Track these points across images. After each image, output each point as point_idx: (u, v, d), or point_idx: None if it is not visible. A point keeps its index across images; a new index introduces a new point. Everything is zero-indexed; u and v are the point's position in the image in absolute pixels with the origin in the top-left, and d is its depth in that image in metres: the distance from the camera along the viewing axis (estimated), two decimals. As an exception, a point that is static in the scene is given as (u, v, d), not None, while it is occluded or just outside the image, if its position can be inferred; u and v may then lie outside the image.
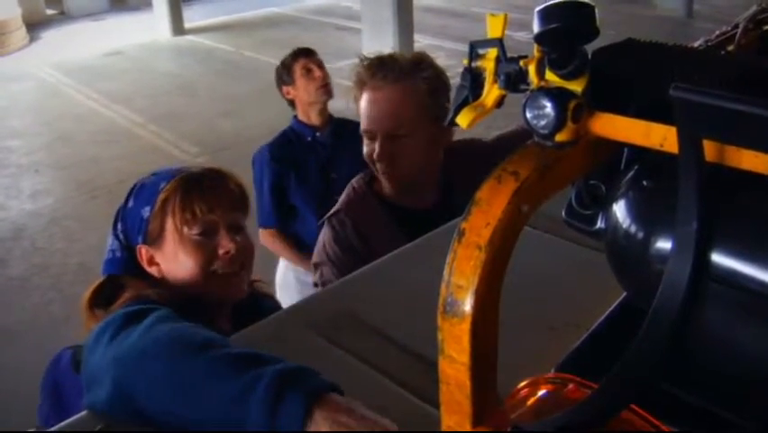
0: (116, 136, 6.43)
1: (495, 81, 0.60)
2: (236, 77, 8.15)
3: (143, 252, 1.24)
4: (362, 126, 1.66)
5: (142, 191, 1.26)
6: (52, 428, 1.01)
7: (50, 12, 11.77)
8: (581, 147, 0.58)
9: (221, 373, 0.86)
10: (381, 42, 6.66)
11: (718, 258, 0.53)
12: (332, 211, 1.74)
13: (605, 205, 0.66)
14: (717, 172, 0.52)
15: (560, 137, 0.57)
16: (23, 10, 10.37)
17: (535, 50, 0.58)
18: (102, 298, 1.20)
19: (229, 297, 1.29)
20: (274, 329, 1.19)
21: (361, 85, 1.64)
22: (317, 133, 2.75)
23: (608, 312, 0.81)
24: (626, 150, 0.64)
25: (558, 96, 0.55)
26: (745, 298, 0.52)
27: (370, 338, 1.13)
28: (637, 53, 0.62)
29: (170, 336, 0.93)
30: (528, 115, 0.57)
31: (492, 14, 0.59)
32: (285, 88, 2.78)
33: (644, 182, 0.62)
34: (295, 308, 1.31)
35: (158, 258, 1.24)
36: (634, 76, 0.59)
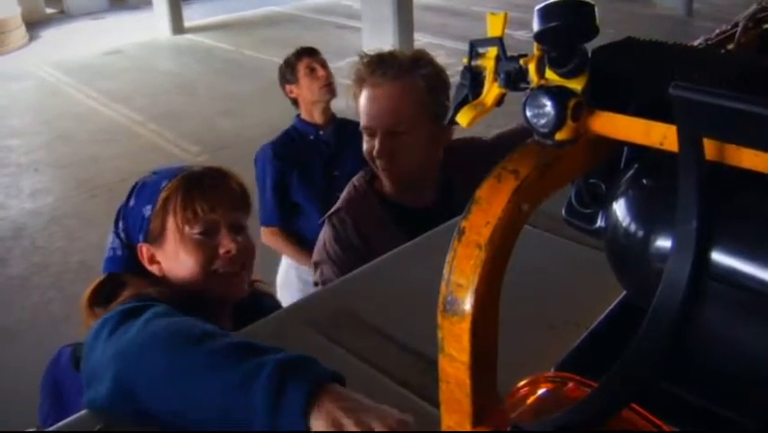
0: (116, 135, 6.43)
1: (495, 80, 0.60)
2: (236, 75, 8.15)
3: (144, 250, 1.25)
4: (362, 123, 1.67)
5: (144, 190, 1.26)
6: (52, 428, 1.01)
7: (49, 10, 11.76)
8: (581, 146, 0.58)
9: (221, 363, 0.86)
10: (381, 41, 6.65)
11: (718, 257, 0.53)
12: (332, 210, 1.74)
13: (605, 203, 0.66)
14: (716, 171, 0.52)
15: (560, 136, 0.57)
16: (23, 9, 10.36)
17: (535, 49, 0.58)
18: (102, 296, 1.20)
19: (229, 296, 1.29)
20: (274, 328, 1.19)
21: (360, 82, 1.65)
22: (320, 132, 2.75)
23: (607, 311, 0.81)
24: (625, 148, 0.64)
25: (558, 94, 0.55)
26: (745, 296, 0.52)
27: (370, 337, 1.13)
28: (637, 52, 0.62)
29: (169, 329, 0.94)
30: (528, 113, 0.57)
31: (492, 13, 0.59)
32: (288, 87, 2.79)
33: (644, 181, 0.62)
34: (295, 307, 1.32)
35: (158, 257, 1.24)
36: (633, 74, 0.59)
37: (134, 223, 1.25)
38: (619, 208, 0.62)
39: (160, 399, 0.88)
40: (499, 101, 0.61)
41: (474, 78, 0.62)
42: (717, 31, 0.81)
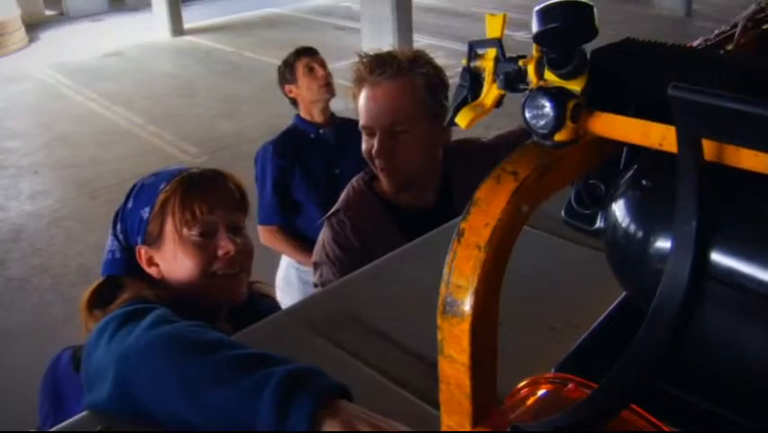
0: (116, 137, 6.43)
1: (494, 81, 0.60)
2: (236, 77, 8.15)
3: (143, 252, 1.24)
4: (361, 122, 1.67)
5: (142, 192, 1.26)
6: (52, 429, 1.01)
7: (49, 12, 11.77)
8: (580, 147, 0.58)
9: (227, 374, 0.85)
10: (380, 42, 6.64)
11: (718, 257, 0.53)
12: (331, 211, 1.74)
13: (604, 204, 0.66)
14: (716, 171, 0.52)
15: (559, 137, 0.57)
16: (23, 11, 10.37)
17: (534, 50, 0.58)
18: (100, 298, 1.20)
19: (228, 298, 1.28)
20: (274, 329, 1.19)
21: (359, 81, 1.65)
22: (320, 131, 2.76)
23: (607, 312, 0.81)
24: (625, 149, 0.64)
25: (557, 95, 0.56)
26: (745, 297, 0.52)
27: (369, 338, 1.13)
28: (636, 53, 0.62)
29: (172, 335, 0.93)
30: (527, 114, 0.57)
31: (491, 14, 0.60)
32: (287, 87, 2.79)
33: (644, 182, 0.62)
34: (294, 308, 1.31)
35: (157, 259, 1.24)
36: (633, 75, 0.59)
37: (132, 225, 1.25)
38: (619, 209, 0.62)
39: (163, 405, 0.88)
40: (498, 102, 0.61)
41: (473, 79, 0.62)
42: (717, 31, 0.81)
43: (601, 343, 0.77)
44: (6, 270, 4.32)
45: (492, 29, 0.59)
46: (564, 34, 0.54)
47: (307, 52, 2.81)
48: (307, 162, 2.70)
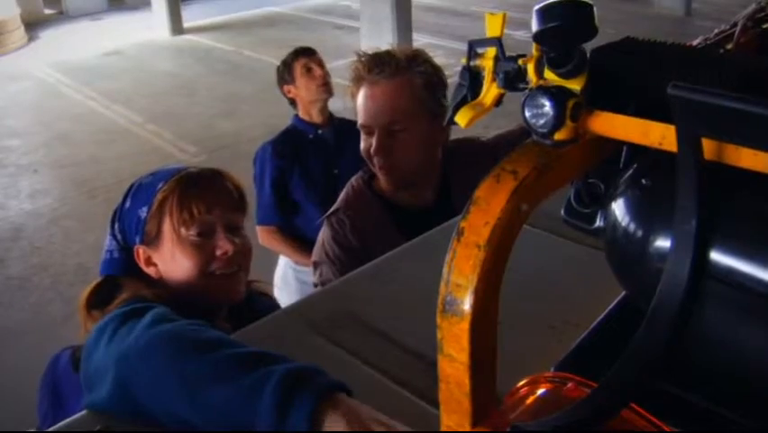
0: (115, 136, 6.43)
1: (494, 80, 0.60)
2: (235, 76, 8.15)
3: (141, 252, 1.24)
4: (360, 121, 1.67)
5: (140, 191, 1.26)
6: (52, 428, 1.01)
7: (48, 11, 11.76)
8: (580, 146, 0.58)
9: (227, 373, 0.85)
10: (380, 41, 6.65)
11: (718, 257, 0.53)
12: (331, 210, 1.74)
13: (604, 203, 0.66)
14: (715, 171, 0.52)
15: (559, 136, 0.57)
16: (22, 9, 10.37)
17: (534, 49, 0.58)
18: (99, 298, 1.19)
19: (227, 298, 1.28)
20: (273, 328, 1.19)
21: (358, 80, 1.65)
22: (319, 131, 2.76)
23: (607, 311, 0.81)
24: (624, 148, 0.64)
25: (557, 94, 0.55)
26: (745, 296, 0.52)
27: (369, 337, 1.13)
28: (636, 52, 0.62)
29: (173, 333, 0.93)
30: (527, 113, 0.57)
31: (491, 13, 0.59)
32: (286, 87, 2.80)
33: (643, 181, 0.61)
34: (294, 308, 1.31)
35: (155, 258, 1.24)
36: (632, 74, 0.59)
37: (130, 225, 1.24)
38: (618, 208, 0.62)
39: (163, 404, 0.88)
40: (498, 101, 0.61)
41: (473, 78, 0.62)
42: (716, 30, 0.81)
43: (601, 342, 0.77)
44: (6, 268, 4.32)
45: (492, 28, 0.59)
46: (564, 33, 0.54)
47: (305, 53, 2.81)
48: (306, 162, 2.71)
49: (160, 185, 1.23)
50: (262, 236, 2.69)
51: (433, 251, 0.79)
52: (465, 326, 0.54)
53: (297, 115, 2.82)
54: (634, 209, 0.61)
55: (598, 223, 0.68)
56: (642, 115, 0.55)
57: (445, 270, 0.55)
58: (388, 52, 1.67)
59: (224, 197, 1.26)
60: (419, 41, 8.18)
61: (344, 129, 2.77)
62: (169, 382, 0.87)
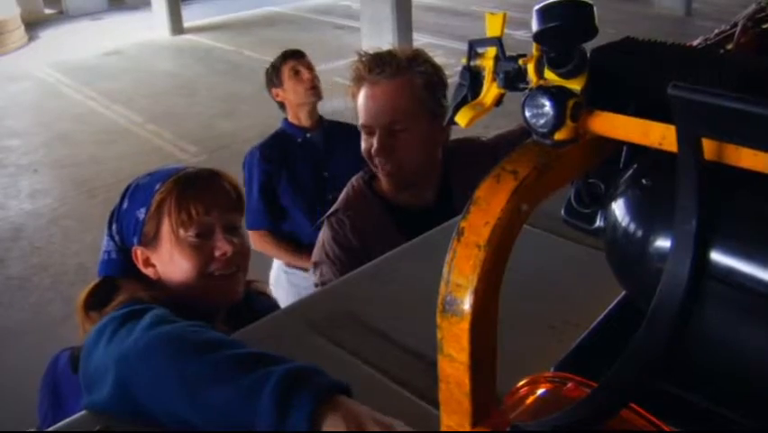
0: (115, 136, 6.43)
1: (494, 80, 0.60)
2: (235, 76, 8.14)
3: (139, 253, 1.24)
4: (360, 121, 1.67)
5: (137, 192, 1.25)
6: (52, 428, 1.01)
7: (48, 11, 11.76)
8: (580, 146, 0.58)
9: (227, 373, 0.85)
10: (380, 41, 6.65)
11: (718, 257, 0.53)
12: (331, 210, 1.74)
13: (604, 203, 0.66)
14: (716, 171, 0.52)
15: (559, 136, 0.57)
16: (22, 9, 10.36)
17: (534, 49, 0.58)
18: (96, 300, 1.19)
19: (225, 299, 1.28)
20: (273, 329, 1.18)
21: (358, 80, 1.65)
22: (308, 135, 2.75)
23: (607, 311, 0.81)
24: (625, 148, 0.64)
25: (557, 94, 0.55)
26: (745, 296, 0.52)
27: (369, 337, 1.13)
28: (636, 52, 0.62)
29: (173, 334, 0.93)
30: (527, 113, 0.57)
31: (491, 13, 0.59)
32: (274, 91, 2.79)
33: (644, 181, 0.62)
34: (294, 308, 1.31)
35: (153, 259, 1.23)
36: (632, 74, 0.59)
37: (128, 226, 1.24)
38: (618, 208, 0.62)
39: (163, 405, 0.88)
40: (498, 101, 0.61)
41: (473, 78, 0.62)
42: (717, 31, 0.81)
43: (601, 342, 0.77)
44: (6, 268, 4.32)
45: (492, 28, 0.59)
46: (564, 33, 0.54)
47: (294, 55, 2.80)
48: (294, 167, 2.70)
49: (158, 186, 1.23)
50: (254, 240, 2.68)
51: (433, 251, 0.79)
52: (465, 326, 0.54)
53: (285, 119, 2.81)
54: (634, 209, 0.61)
55: (599, 223, 0.68)
56: (642, 116, 0.55)
57: (445, 270, 0.55)
58: (388, 52, 1.67)
59: (221, 197, 1.26)
60: (419, 40, 8.18)
61: (334, 132, 2.77)
62: (169, 383, 0.87)
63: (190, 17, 10.68)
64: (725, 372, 0.59)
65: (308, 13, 11.35)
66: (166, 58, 9.22)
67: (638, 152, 0.62)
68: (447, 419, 0.59)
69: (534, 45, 0.57)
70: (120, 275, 1.24)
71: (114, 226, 1.27)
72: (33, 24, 10.80)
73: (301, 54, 2.83)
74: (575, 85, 0.57)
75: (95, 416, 0.96)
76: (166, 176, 1.25)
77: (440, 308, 0.55)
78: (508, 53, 0.59)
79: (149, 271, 1.24)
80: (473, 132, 1.10)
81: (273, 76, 2.79)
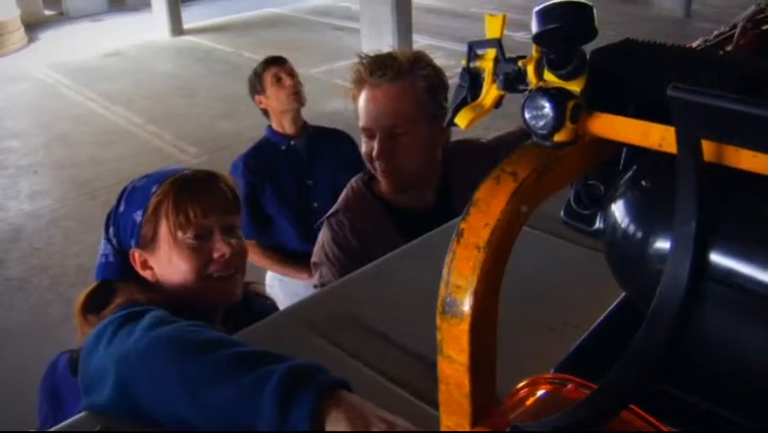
0: (115, 137, 6.43)
1: (493, 81, 0.60)
2: (235, 77, 8.11)
3: (136, 256, 1.23)
4: (361, 124, 1.67)
5: (133, 195, 1.25)
6: (52, 429, 1.01)
7: (48, 12, 11.76)
8: (580, 147, 0.58)
9: (228, 373, 0.85)
10: (380, 43, 6.65)
11: (717, 258, 0.53)
12: (330, 211, 1.74)
13: (604, 205, 0.66)
14: (715, 172, 0.52)
15: (558, 137, 0.57)
16: (22, 11, 10.36)
17: (534, 51, 0.58)
18: (94, 303, 1.18)
19: (224, 300, 1.28)
20: (273, 330, 1.19)
21: (359, 83, 1.65)
22: (292, 142, 2.75)
23: (607, 312, 0.81)
24: (624, 150, 0.64)
25: (557, 96, 0.56)
26: (744, 298, 0.52)
27: (369, 339, 1.13)
28: (636, 53, 0.62)
29: (173, 335, 0.93)
30: (527, 115, 0.57)
31: (491, 15, 0.60)
32: (257, 98, 2.79)
33: (643, 182, 0.62)
34: (293, 309, 1.31)
35: (151, 262, 1.23)
36: (632, 76, 0.59)
37: (125, 228, 1.23)
38: (618, 210, 0.62)
39: (164, 406, 0.88)
40: (498, 103, 0.61)
41: (473, 79, 0.62)
42: (716, 32, 0.81)
43: (601, 343, 0.77)
44: (5, 270, 4.32)
45: (492, 29, 0.59)
46: (564, 35, 0.54)
47: (275, 62, 2.79)
48: (278, 177, 2.70)
49: (155, 188, 1.22)
50: None
51: (432, 252, 0.79)
52: (465, 327, 0.54)
53: (269, 126, 2.80)
54: (633, 211, 0.61)
55: (598, 224, 0.68)
56: (641, 117, 0.55)
57: (445, 271, 0.55)
58: (390, 55, 1.67)
59: (218, 199, 1.26)
60: (419, 42, 8.18)
61: (317, 137, 2.76)
62: (170, 383, 0.87)
63: (190, 18, 10.68)
64: (724, 373, 0.59)
65: (308, 14, 11.36)
66: (166, 59, 9.22)
67: (638, 153, 0.62)
68: (447, 420, 0.59)
69: (533, 47, 0.57)
70: (117, 278, 1.23)
71: (110, 230, 1.26)
72: (33, 26, 10.80)
73: (283, 60, 2.82)
74: (575, 86, 0.57)
75: (95, 416, 0.96)
76: (162, 178, 1.24)
77: (440, 310, 0.55)
78: (508, 55, 0.59)
79: (147, 274, 1.24)
80: (473, 133, 1.10)
81: (256, 83, 2.78)
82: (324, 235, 1.73)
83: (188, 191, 1.22)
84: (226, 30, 10.54)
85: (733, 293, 0.53)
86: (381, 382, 1.03)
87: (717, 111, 0.47)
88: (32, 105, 7.61)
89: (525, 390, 0.70)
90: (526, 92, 0.58)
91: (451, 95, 0.65)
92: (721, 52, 0.76)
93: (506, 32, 0.59)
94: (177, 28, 10.30)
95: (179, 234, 1.20)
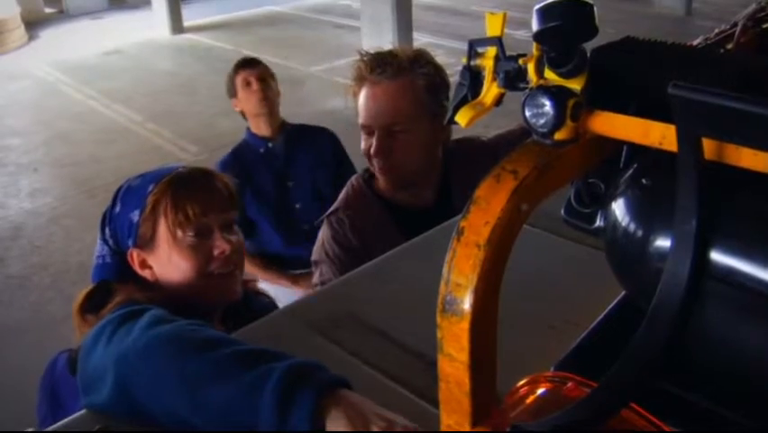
0: (115, 135, 6.42)
1: (494, 79, 0.60)
2: (235, 75, 8.13)
3: (135, 255, 1.23)
4: (360, 121, 1.67)
5: (129, 194, 1.24)
6: (51, 428, 1.01)
7: (48, 10, 11.75)
8: (580, 145, 0.58)
9: (228, 371, 0.85)
10: (380, 41, 6.65)
11: (718, 256, 0.53)
12: (330, 209, 1.74)
13: (604, 203, 0.66)
14: (716, 170, 0.52)
15: (559, 135, 0.57)
16: (22, 8, 10.35)
17: (534, 49, 0.58)
18: (92, 304, 1.18)
19: (224, 298, 1.28)
20: (273, 328, 1.19)
21: (360, 80, 1.65)
22: (269, 144, 2.74)
23: (607, 310, 0.81)
24: (625, 148, 0.64)
25: (557, 94, 0.55)
26: (745, 296, 0.52)
27: (369, 337, 1.13)
28: (636, 51, 0.62)
29: (172, 333, 0.93)
30: (527, 113, 0.57)
31: (491, 13, 0.59)
32: (233, 101, 2.79)
33: (644, 181, 0.62)
34: (293, 307, 1.31)
35: (150, 261, 1.23)
36: (633, 74, 0.59)
37: (122, 228, 1.23)
38: (618, 208, 0.62)
39: (163, 404, 0.87)
40: (498, 101, 0.61)
41: (473, 77, 0.62)
42: (717, 30, 0.81)
43: (601, 342, 0.77)
44: (6, 267, 4.32)
45: (492, 27, 0.59)
46: (564, 33, 0.54)
47: (245, 65, 2.77)
48: (258, 181, 2.69)
49: (151, 187, 1.22)
50: None
51: (433, 250, 0.79)
52: (465, 325, 0.54)
53: (248, 129, 2.79)
54: (634, 209, 0.61)
55: (599, 223, 0.68)
56: (642, 115, 0.55)
57: (445, 269, 0.55)
58: (390, 52, 1.67)
59: (217, 196, 1.25)
60: (419, 40, 8.18)
61: (295, 137, 2.75)
62: (169, 382, 0.87)
63: (190, 16, 10.67)
64: (725, 371, 0.59)
65: (308, 12, 11.34)
66: (166, 57, 9.21)
67: (638, 151, 0.62)
68: (447, 419, 0.59)
69: (534, 45, 0.57)
70: (115, 279, 1.23)
71: (106, 230, 1.26)
72: (33, 23, 10.79)
73: (254, 63, 2.79)
74: (575, 84, 0.57)
75: (94, 415, 0.96)
76: (158, 177, 1.23)
77: (440, 308, 0.55)
78: (509, 53, 0.59)
79: (145, 273, 1.23)
80: (473, 131, 1.10)
81: (230, 86, 2.77)
82: (324, 233, 1.73)
83: (186, 189, 1.22)
84: (226, 28, 10.53)
85: (733, 291, 0.53)
86: (381, 380, 1.03)
87: (717, 109, 0.47)
88: (33, 103, 7.61)
89: (526, 388, 0.70)
90: (527, 90, 0.58)
91: (452, 93, 0.65)
92: (722, 51, 0.76)
93: (506, 30, 0.59)
94: (177, 26, 10.29)
95: (179, 232, 1.20)
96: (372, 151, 1.64)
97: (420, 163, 1.69)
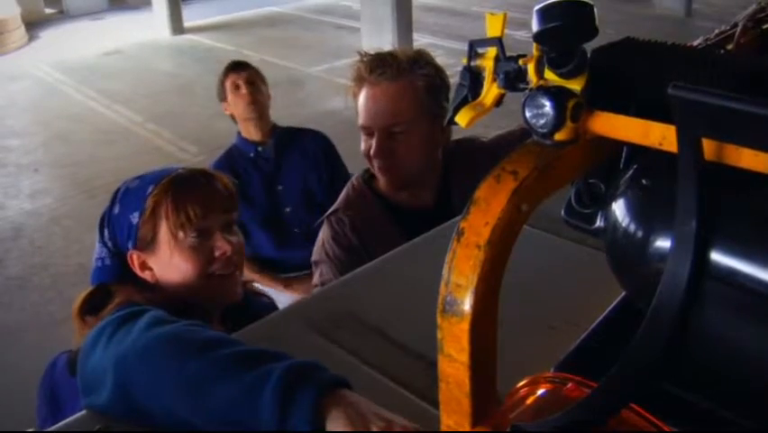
0: (115, 136, 6.42)
1: (494, 80, 0.60)
2: (235, 76, 8.13)
3: (135, 257, 1.23)
4: (360, 122, 1.67)
5: (128, 196, 1.24)
6: (51, 428, 1.01)
7: (48, 11, 11.75)
8: (580, 146, 0.58)
9: (228, 370, 0.85)
10: (380, 41, 6.65)
11: (718, 257, 0.53)
12: (331, 209, 1.74)
13: (604, 204, 0.66)
14: (716, 171, 0.52)
15: (559, 136, 0.57)
16: (22, 9, 10.35)
17: (535, 49, 0.58)
18: (92, 306, 1.18)
19: (225, 299, 1.28)
20: (272, 329, 1.19)
21: (359, 81, 1.65)
22: (259, 148, 2.73)
23: (607, 311, 0.80)
24: (625, 149, 0.64)
25: (557, 95, 0.56)
26: (745, 297, 0.52)
27: (369, 337, 1.13)
28: (636, 52, 0.62)
29: (172, 334, 0.92)
30: (527, 113, 0.57)
31: (491, 13, 0.59)
32: (223, 105, 2.78)
33: (644, 181, 0.62)
34: (293, 308, 1.31)
35: (151, 263, 1.23)
36: (633, 75, 0.59)
37: (122, 230, 1.23)
38: (619, 209, 0.62)
39: (164, 406, 0.87)
40: (498, 101, 0.61)
41: (473, 78, 0.62)
42: (717, 31, 0.81)
43: (601, 342, 0.77)
44: (6, 268, 4.32)
45: (492, 28, 0.59)
46: (565, 33, 0.54)
47: (234, 68, 2.76)
48: (248, 185, 2.68)
49: (150, 188, 1.21)
50: None
51: (433, 251, 0.79)
52: (465, 326, 0.54)
53: (238, 133, 2.79)
54: (634, 210, 0.61)
55: (599, 223, 0.68)
56: (642, 116, 0.55)
57: (445, 270, 0.55)
58: (390, 53, 1.67)
59: (217, 197, 1.25)
60: (420, 41, 8.18)
61: (285, 140, 2.74)
62: (169, 382, 0.87)
63: (191, 17, 10.67)
64: (725, 372, 0.59)
65: (308, 12, 11.35)
66: (166, 57, 9.21)
67: (638, 152, 0.62)
68: (447, 419, 0.59)
69: (534, 45, 0.57)
70: (115, 281, 1.23)
71: (105, 232, 1.25)
72: (34, 24, 10.79)
73: (243, 67, 2.78)
74: (575, 85, 0.57)
75: (94, 416, 0.96)
76: (158, 178, 1.23)
77: (440, 309, 0.55)
78: (509, 53, 0.59)
79: (146, 275, 1.23)
80: (473, 132, 1.10)
81: (220, 90, 2.76)
82: (324, 234, 1.73)
83: (187, 190, 1.22)
84: (227, 28, 10.53)
85: (733, 292, 0.53)
86: (381, 380, 1.03)
87: (717, 110, 0.47)
88: (33, 104, 7.61)
89: (526, 389, 0.70)
90: (527, 91, 0.58)
91: (452, 94, 0.65)
92: (722, 51, 0.76)
93: (506, 31, 0.59)
94: (177, 26, 10.29)
95: (180, 234, 1.20)
96: (372, 152, 1.64)
97: (420, 164, 1.69)
